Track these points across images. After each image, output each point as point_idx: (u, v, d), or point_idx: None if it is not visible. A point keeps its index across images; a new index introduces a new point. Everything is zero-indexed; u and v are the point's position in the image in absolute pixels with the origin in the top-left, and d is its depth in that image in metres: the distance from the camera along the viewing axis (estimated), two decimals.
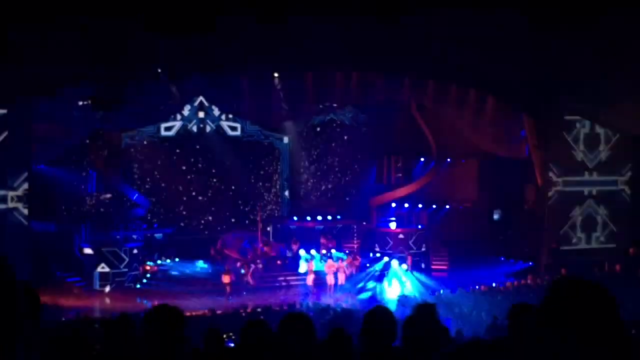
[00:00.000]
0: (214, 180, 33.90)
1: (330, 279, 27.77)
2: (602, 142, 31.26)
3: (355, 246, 33.17)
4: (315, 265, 28.83)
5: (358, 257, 29.98)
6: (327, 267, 28.13)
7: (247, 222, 33.71)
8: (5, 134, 25.40)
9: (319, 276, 28.15)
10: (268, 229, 32.94)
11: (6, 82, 24.01)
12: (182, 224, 33.28)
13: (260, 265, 29.83)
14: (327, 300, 26.11)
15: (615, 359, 2.61)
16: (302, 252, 30.20)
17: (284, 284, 28.96)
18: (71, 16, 20.91)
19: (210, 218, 33.92)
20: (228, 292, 26.74)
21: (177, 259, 31.25)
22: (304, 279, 28.71)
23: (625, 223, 31.06)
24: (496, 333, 14.37)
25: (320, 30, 23.79)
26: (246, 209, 34.36)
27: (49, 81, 24.47)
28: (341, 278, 28.05)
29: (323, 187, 35.72)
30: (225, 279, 27.02)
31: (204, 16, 20.31)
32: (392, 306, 25.98)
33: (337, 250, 30.89)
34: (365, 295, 27.46)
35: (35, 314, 3.97)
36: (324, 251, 30.27)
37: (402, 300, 26.19)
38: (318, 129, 35.23)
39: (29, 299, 3.84)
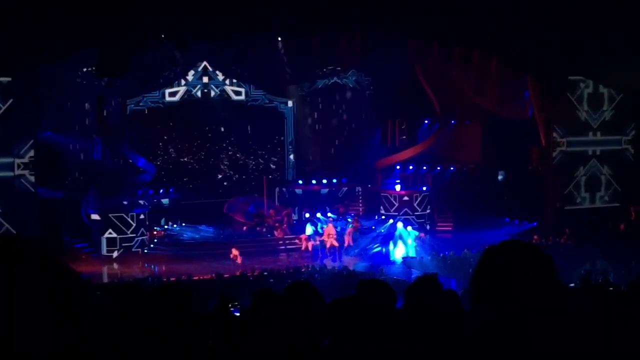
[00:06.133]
0: (219, 144, 33.98)
1: (330, 243, 27.83)
2: (605, 102, 31.23)
3: (361, 209, 33.39)
4: (318, 229, 29.02)
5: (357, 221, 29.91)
6: (327, 231, 28.17)
7: (252, 186, 33.81)
8: (10, 101, 25.48)
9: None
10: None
11: (10, 49, 23.99)
12: (188, 189, 33.39)
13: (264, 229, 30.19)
14: (332, 263, 26.33)
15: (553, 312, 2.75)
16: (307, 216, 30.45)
17: (290, 247, 29.18)
18: None
19: (215, 182, 34.05)
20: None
21: (183, 224, 31.54)
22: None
23: (629, 182, 31.14)
24: None
25: None
26: (251, 173, 34.48)
27: (53, 47, 24.47)
28: (347, 240, 28.23)
29: (327, 151, 35.77)
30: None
31: None
32: (398, 267, 26.30)
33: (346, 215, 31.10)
34: (371, 257, 27.73)
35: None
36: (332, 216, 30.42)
37: (407, 261, 26.46)
38: (322, 92, 35.17)
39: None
